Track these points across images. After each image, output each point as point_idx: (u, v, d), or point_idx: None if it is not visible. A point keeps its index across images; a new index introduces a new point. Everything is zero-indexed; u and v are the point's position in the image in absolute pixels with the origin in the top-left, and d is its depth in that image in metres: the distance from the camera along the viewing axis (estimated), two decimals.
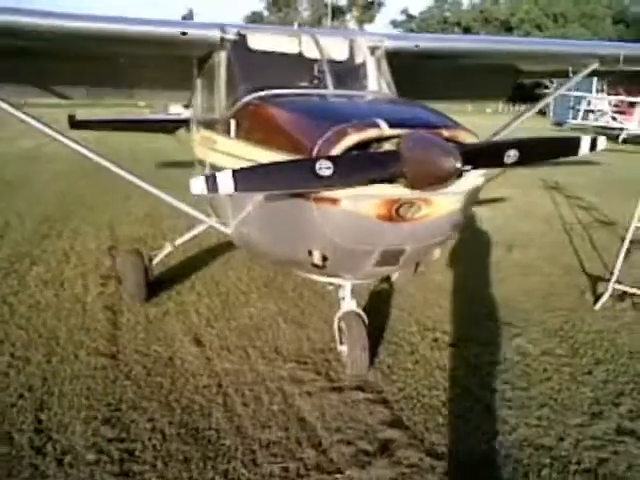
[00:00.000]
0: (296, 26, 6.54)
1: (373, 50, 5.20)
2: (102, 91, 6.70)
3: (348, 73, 4.94)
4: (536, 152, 3.65)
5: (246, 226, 4.53)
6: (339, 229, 3.52)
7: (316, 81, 4.76)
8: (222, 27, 5.01)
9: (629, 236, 5.64)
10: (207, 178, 3.06)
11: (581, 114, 29.09)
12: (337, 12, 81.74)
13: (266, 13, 77.02)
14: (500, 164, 3.44)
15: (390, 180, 3.29)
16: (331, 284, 4.49)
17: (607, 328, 5.16)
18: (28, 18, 4.60)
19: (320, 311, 5.48)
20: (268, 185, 3.23)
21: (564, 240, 8.25)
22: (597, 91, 30.18)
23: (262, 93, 4.45)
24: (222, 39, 4.95)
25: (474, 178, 3.56)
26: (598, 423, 3.70)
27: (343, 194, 3.35)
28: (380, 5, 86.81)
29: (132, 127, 11.15)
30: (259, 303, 5.73)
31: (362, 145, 3.36)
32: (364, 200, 3.36)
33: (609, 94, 28.88)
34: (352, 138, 3.29)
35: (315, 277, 4.47)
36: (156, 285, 5.93)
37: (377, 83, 5.00)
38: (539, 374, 4.34)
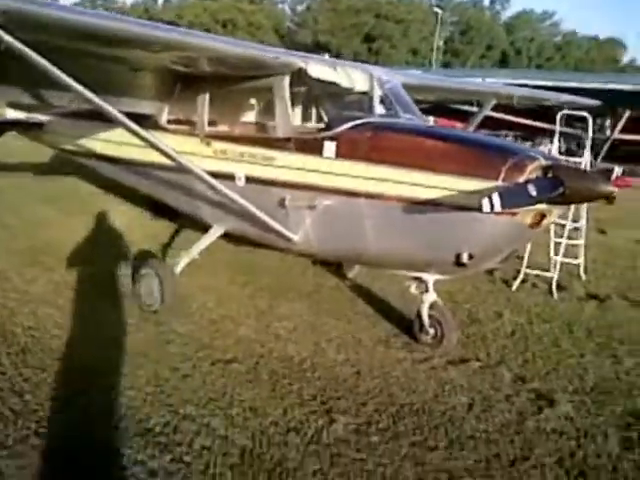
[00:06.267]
0: (327, 56, 7.15)
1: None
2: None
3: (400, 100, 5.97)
4: None
5: (345, 233, 5.26)
6: (505, 234, 4.68)
7: (388, 110, 5.69)
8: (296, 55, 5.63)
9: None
10: (489, 198, 4.01)
11: None
12: None
13: None
14: None
15: None
16: (419, 279, 5.48)
17: (537, 302, 7.11)
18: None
19: (342, 310, 6.40)
20: (511, 204, 4.24)
21: None
22: None
23: (370, 120, 5.26)
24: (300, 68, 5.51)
25: None
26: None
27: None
28: None
29: None
30: (285, 307, 6.36)
31: None
32: (529, 212, 4.58)
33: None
34: (532, 166, 4.49)
35: (402, 273, 5.47)
36: None
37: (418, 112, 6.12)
38: (554, 332, 6.11)
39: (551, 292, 7.40)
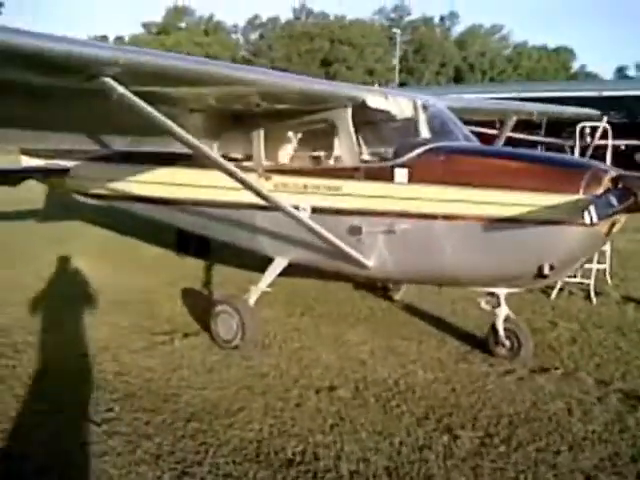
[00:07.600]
0: (377, 86, 7.45)
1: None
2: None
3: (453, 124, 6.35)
4: None
5: (425, 253, 5.54)
6: (585, 243, 5.03)
7: (445, 134, 6.03)
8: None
9: None
10: (588, 210, 4.35)
11: None
12: None
13: None
14: None
15: None
16: (492, 294, 5.77)
17: (580, 308, 7.54)
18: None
19: (406, 331, 6.68)
20: (603, 214, 4.55)
21: None
22: None
23: (435, 145, 5.59)
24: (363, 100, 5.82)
25: None
26: None
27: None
28: None
29: None
30: (352, 333, 6.60)
31: None
32: (605, 221, 4.92)
33: None
34: (607, 178, 4.86)
35: (477, 289, 5.77)
36: None
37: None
38: (610, 337, 6.52)
39: (589, 298, 7.81)
